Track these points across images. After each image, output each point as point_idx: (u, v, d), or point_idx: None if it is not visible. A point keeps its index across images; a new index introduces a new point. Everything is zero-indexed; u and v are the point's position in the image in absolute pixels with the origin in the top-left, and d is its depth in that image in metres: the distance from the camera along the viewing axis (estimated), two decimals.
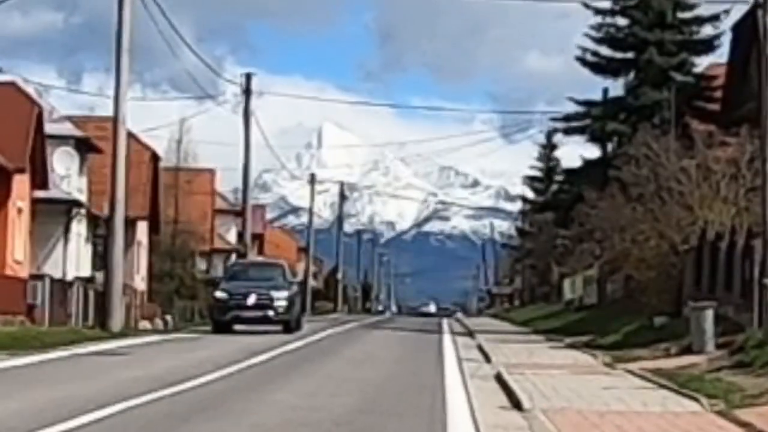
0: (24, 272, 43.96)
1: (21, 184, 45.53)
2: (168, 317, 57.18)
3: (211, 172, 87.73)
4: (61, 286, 41.64)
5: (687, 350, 29.35)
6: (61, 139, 51.22)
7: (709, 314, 29.19)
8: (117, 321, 40.27)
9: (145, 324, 48.22)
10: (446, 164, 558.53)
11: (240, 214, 76.80)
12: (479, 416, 15.57)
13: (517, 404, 17.62)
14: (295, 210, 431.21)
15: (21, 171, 44.19)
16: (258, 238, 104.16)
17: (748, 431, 14.65)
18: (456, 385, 21.50)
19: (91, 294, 48.73)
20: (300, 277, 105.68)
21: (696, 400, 18.35)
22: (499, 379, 23.01)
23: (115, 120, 39.68)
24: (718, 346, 28.45)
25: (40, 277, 40.82)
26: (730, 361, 24.85)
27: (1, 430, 12.06)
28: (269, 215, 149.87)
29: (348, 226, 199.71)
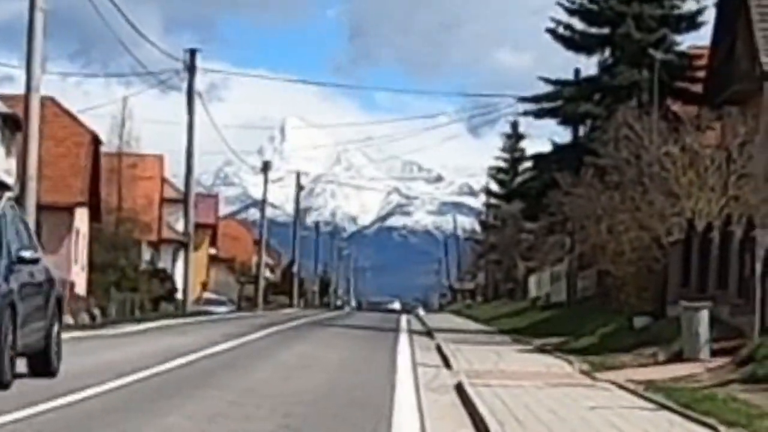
0: None
1: None
2: (97, 311, 52.62)
3: (159, 157, 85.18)
4: None
5: (678, 357, 25.94)
6: None
7: (705, 316, 25.84)
8: None
9: (66, 318, 43.92)
10: (409, 159, 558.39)
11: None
12: None
13: None
14: (256, 203, 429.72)
15: None
16: (211, 228, 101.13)
17: None
18: (408, 402, 17.37)
19: None
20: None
21: (713, 429, 14.26)
22: (460, 391, 19.18)
23: (28, 86, 35.33)
24: (714, 353, 25.04)
25: None
26: (738, 373, 21.11)
27: None
28: (231, 208, 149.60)
29: (310, 221, 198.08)
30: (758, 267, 25.77)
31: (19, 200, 36.18)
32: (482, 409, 15.64)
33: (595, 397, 18.75)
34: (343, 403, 16.67)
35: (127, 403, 15.51)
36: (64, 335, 33.57)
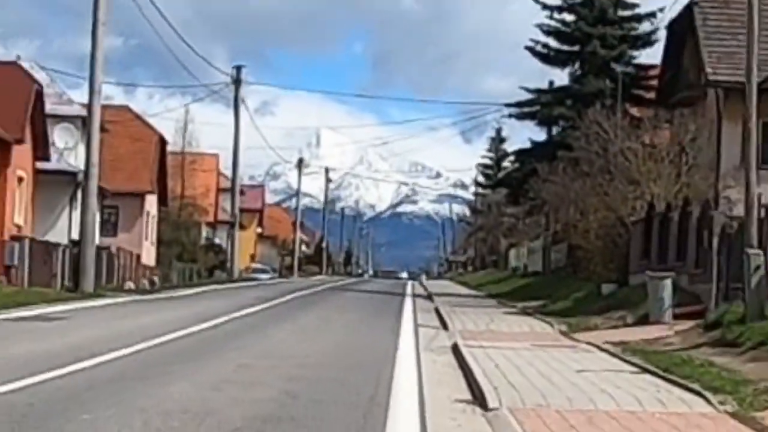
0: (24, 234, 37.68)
1: (21, 154, 39.44)
2: (157, 278, 50.61)
3: (215, 155, 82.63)
4: (45, 248, 34.49)
5: (644, 320, 23.38)
6: (69, 119, 45.60)
7: (668, 284, 23.38)
8: (89, 282, 33.32)
9: (129, 284, 41.43)
10: (415, 160, 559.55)
11: (242, 193, 72.28)
12: (431, 415, 9.86)
13: (478, 397, 11.41)
14: (297, 194, 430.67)
15: (20, 142, 38.20)
16: (258, 213, 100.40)
17: None
18: (408, 365, 14.60)
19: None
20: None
21: (699, 394, 11.72)
22: (455, 352, 16.63)
23: (91, 88, 33.15)
24: (675, 316, 22.54)
25: (19, 238, 33.79)
26: (706, 337, 18.39)
27: None
28: (277, 198, 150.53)
29: (338, 207, 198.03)
30: (715, 242, 23.45)
31: (84, 188, 34.52)
32: (477, 373, 13.01)
33: (581, 360, 16.00)
34: (347, 366, 13.97)
35: (143, 367, 12.85)
36: (114, 300, 31.46)
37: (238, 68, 63.65)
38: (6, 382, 10.38)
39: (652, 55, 46.77)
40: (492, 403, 10.71)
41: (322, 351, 15.77)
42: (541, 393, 11.84)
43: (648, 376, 13.62)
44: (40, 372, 11.33)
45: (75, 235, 41.67)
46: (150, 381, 11.36)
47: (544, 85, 51.10)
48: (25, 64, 44.66)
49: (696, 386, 12.22)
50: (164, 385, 10.98)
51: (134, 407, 9.31)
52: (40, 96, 40.15)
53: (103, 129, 46.81)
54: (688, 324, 20.50)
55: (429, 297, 41.57)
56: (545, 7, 49.26)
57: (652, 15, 47.92)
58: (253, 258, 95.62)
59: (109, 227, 52.77)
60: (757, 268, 17.78)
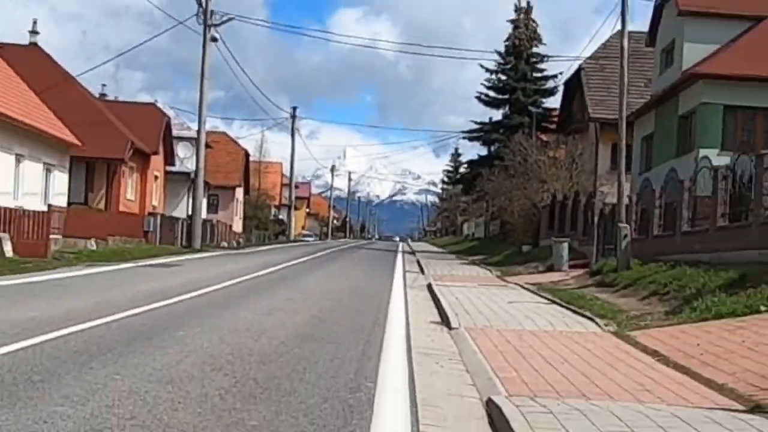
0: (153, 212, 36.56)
1: (156, 161, 38.67)
2: (241, 240, 48.98)
3: (280, 163, 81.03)
4: (170, 221, 33.61)
5: (550, 268, 22.30)
6: (187, 139, 43.64)
7: (565, 246, 22.32)
8: (197, 242, 32.10)
9: (224, 244, 40.43)
10: (404, 167, 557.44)
11: (296, 186, 71.59)
12: (413, 333, 9.20)
13: (444, 320, 10.73)
14: (330, 188, 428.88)
15: (155, 153, 37.48)
16: (306, 199, 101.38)
17: (658, 359, 7.79)
18: (398, 296, 13.90)
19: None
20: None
21: (591, 319, 11.03)
22: (430, 289, 15.69)
23: (199, 120, 32.10)
24: (570, 267, 21.51)
25: (154, 214, 32.94)
26: (591, 281, 17.47)
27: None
28: (318, 191, 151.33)
29: (356, 197, 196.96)
30: (596, 219, 22.73)
31: (194, 180, 33.58)
32: (444, 304, 12.30)
33: (510, 295, 15.18)
34: (357, 299, 12.96)
35: (225, 299, 12.02)
36: (214, 253, 30.28)
37: (294, 108, 62.27)
38: (129, 309, 9.68)
39: (554, 102, 45.71)
40: (454, 324, 10.07)
41: (341, 289, 14.92)
42: (486, 317, 11.14)
43: (556, 306, 12.86)
44: (156, 301, 10.60)
45: (189, 213, 41.06)
46: (227, 308, 10.60)
47: (486, 120, 49.84)
48: (160, 105, 43.73)
49: (588, 313, 11.49)
50: (236, 311, 10.23)
51: (214, 326, 8.59)
52: (168, 125, 39.38)
53: (208, 146, 45.52)
54: (579, 272, 19.68)
55: (412, 253, 40.55)
56: (487, 70, 47.97)
57: (554, 76, 46.65)
58: (303, 227, 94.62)
59: (212, 208, 51.54)
60: (625, 236, 17.01)
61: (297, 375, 6.03)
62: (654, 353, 8.10)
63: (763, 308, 9.44)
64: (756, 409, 5.31)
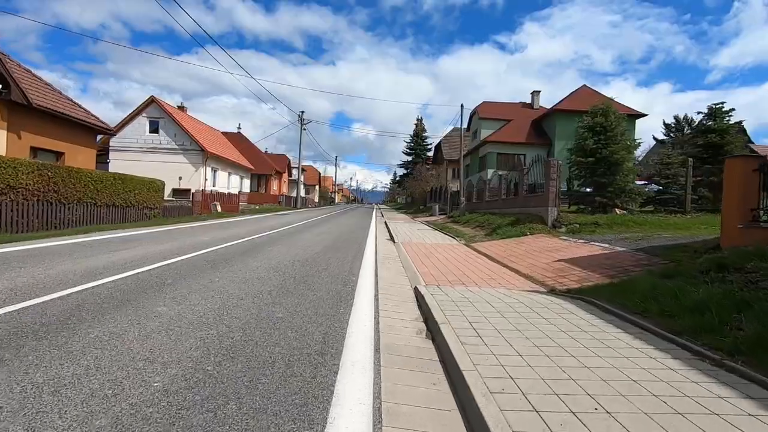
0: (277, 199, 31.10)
1: (282, 177, 35.43)
2: (315, 205, 41.92)
3: (331, 178, 73.91)
4: (287, 198, 30.74)
5: (432, 215, 19.93)
6: (296, 167, 39.25)
7: (437, 206, 20.73)
8: (295, 205, 28.94)
9: (309, 206, 37.12)
10: (377, 178, 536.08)
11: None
12: (378, 244, 7.65)
13: (393, 240, 9.07)
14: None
15: (283, 172, 34.69)
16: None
17: (485, 259, 6.08)
18: (372, 243, 11.93)
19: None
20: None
21: (453, 237, 9.35)
22: (387, 226, 13.28)
23: (299, 162, 29.57)
24: (439, 215, 19.23)
25: (282, 196, 29.98)
26: (450, 221, 15.71)
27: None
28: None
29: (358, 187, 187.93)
30: (449, 197, 21.06)
31: (297, 186, 30.05)
32: (393, 232, 10.48)
33: (418, 226, 13.24)
34: (341, 246, 9.57)
35: (299, 230, 9.85)
36: (302, 210, 22.96)
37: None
38: (199, 250, 5.78)
39: (430, 152, 42.60)
40: (396, 240, 8.42)
41: (332, 239, 10.48)
42: (409, 237, 9.36)
43: (438, 232, 11.20)
44: (270, 230, 8.36)
45: (295, 195, 37.80)
46: (301, 233, 8.65)
47: (408, 159, 45.64)
48: (243, 133, 35.01)
49: (451, 234, 9.95)
50: (301, 236, 8.29)
51: (289, 244, 6.73)
52: (289, 161, 34.86)
53: (303, 170, 42.13)
54: (443, 217, 17.98)
55: (382, 215, 37.70)
56: (406, 142, 45.22)
57: (431, 143, 44.02)
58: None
59: (307, 193, 47.39)
60: (461, 204, 15.42)
61: (318, 273, 4.33)
62: (486, 255, 6.62)
63: (528, 233, 7.93)
64: (550, 292, 3.79)
